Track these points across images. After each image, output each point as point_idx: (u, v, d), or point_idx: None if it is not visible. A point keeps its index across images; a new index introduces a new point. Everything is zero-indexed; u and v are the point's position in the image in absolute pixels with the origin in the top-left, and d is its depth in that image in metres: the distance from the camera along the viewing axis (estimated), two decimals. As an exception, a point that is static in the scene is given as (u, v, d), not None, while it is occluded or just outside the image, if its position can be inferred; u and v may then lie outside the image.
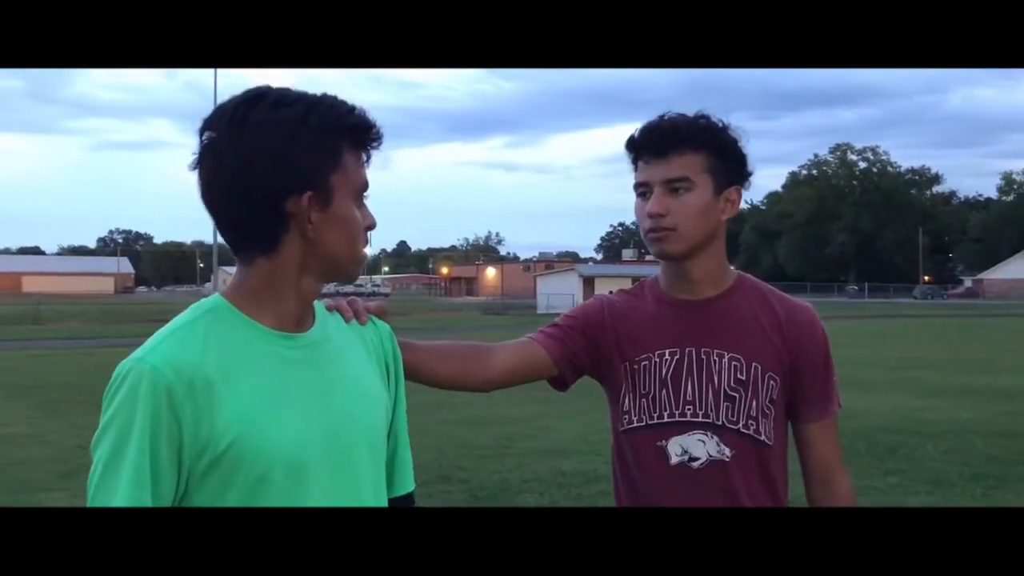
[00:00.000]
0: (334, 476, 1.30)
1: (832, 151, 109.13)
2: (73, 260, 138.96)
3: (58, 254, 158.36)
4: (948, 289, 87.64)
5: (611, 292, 1.91)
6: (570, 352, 1.81)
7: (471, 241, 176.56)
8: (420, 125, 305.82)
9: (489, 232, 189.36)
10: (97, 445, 1.20)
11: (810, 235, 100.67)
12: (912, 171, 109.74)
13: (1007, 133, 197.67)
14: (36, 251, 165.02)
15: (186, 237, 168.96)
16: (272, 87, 1.29)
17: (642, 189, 1.75)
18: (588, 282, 49.64)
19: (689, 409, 1.73)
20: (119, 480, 1.17)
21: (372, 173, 1.36)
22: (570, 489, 6.75)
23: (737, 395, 1.72)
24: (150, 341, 1.24)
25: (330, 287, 1.86)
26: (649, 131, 1.73)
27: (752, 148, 1.79)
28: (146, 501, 1.18)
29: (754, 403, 1.72)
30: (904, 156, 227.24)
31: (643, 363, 1.77)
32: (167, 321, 1.30)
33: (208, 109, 1.30)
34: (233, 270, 1.34)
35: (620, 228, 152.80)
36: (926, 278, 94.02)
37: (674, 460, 1.73)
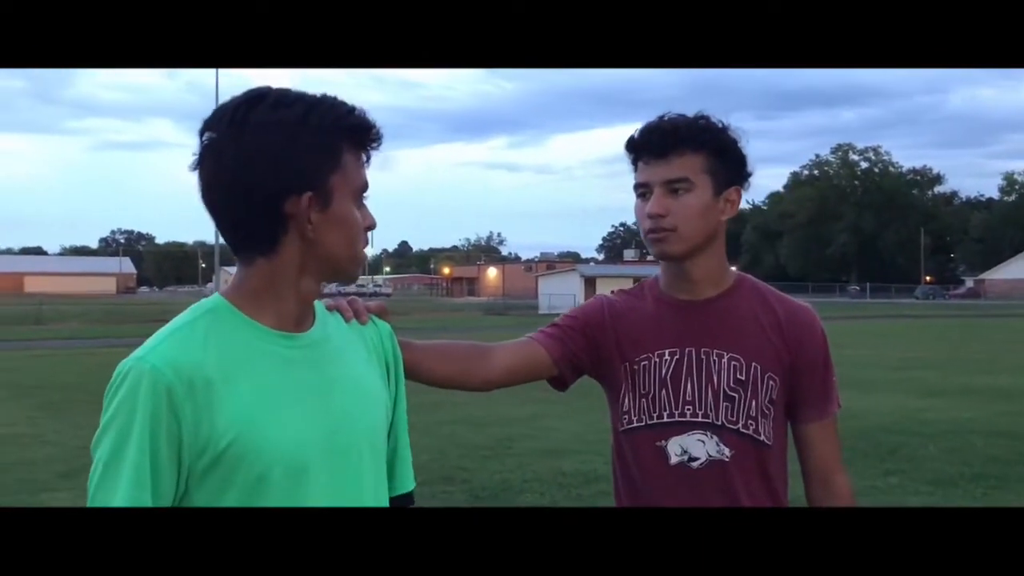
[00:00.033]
0: (334, 476, 1.30)
1: (833, 151, 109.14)
2: (75, 260, 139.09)
3: (60, 254, 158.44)
4: (950, 289, 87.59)
5: (612, 292, 1.91)
6: (570, 352, 1.81)
7: (473, 241, 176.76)
8: (422, 125, 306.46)
9: (491, 232, 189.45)
10: (97, 444, 1.20)
11: (812, 235, 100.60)
12: (914, 171, 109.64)
13: (1008, 133, 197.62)
14: (38, 251, 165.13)
15: (188, 237, 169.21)
16: (272, 88, 1.29)
17: (642, 190, 1.75)
18: (590, 282, 49.59)
19: (689, 409, 1.73)
20: (119, 479, 1.17)
21: (374, 173, 1.36)
22: (571, 489, 6.76)
23: (737, 395, 1.72)
24: (150, 341, 1.25)
25: (332, 287, 1.86)
26: (649, 132, 1.73)
27: (753, 148, 1.79)
28: (146, 500, 1.18)
29: (753, 403, 1.73)
30: (906, 156, 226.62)
31: (643, 363, 1.77)
32: (169, 321, 1.31)
33: (209, 109, 1.30)
34: (234, 270, 1.35)
35: (622, 228, 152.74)
36: (928, 278, 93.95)
37: (674, 460, 1.73)
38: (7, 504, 6.23)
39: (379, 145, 1.34)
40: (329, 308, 1.46)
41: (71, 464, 7.43)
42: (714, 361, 1.73)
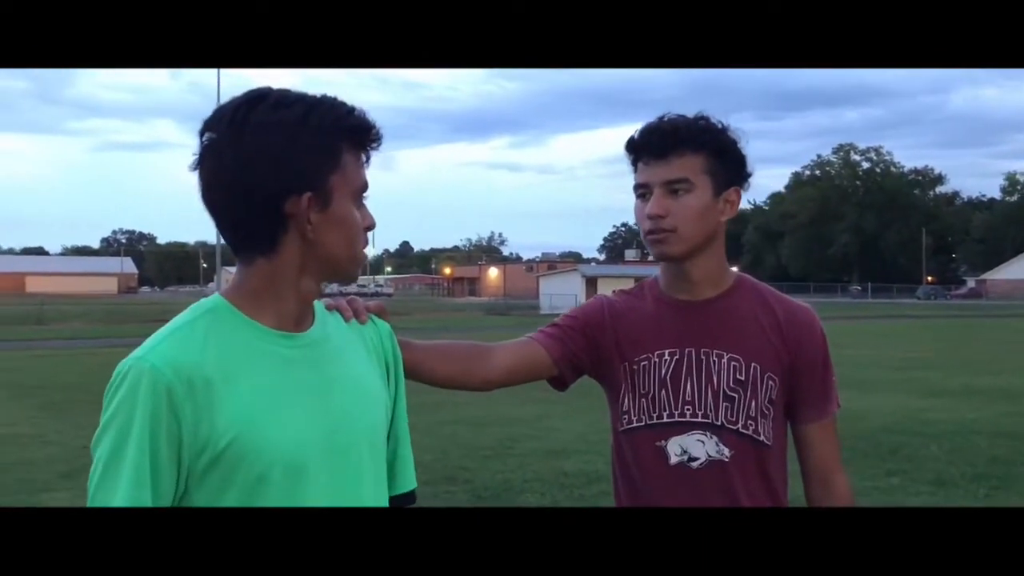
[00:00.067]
0: (334, 475, 1.30)
1: (835, 151, 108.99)
2: (77, 260, 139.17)
3: (62, 254, 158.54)
4: (951, 290, 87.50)
5: (613, 292, 1.91)
6: (570, 352, 1.81)
7: (474, 241, 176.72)
8: (424, 125, 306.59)
9: (492, 232, 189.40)
10: (97, 444, 1.20)
11: (813, 235, 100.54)
12: (915, 171, 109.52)
13: (1010, 133, 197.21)
14: (40, 251, 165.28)
15: (189, 237, 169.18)
16: (272, 88, 1.29)
17: (642, 190, 1.75)
18: (591, 282, 49.64)
19: (688, 409, 1.73)
20: (119, 479, 1.18)
21: (375, 173, 1.36)
22: (572, 489, 6.76)
23: (736, 395, 1.72)
24: (150, 340, 1.25)
25: (333, 287, 1.86)
26: (649, 132, 1.74)
27: (755, 148, 1.80)
28: (146, 500, 1.18)
29: (753, 403, 1.73)
30: (907, 156, 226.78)
31: (643, 363, 1.77)
32: (169, 321, 1.31)
33: (212, 110, 1.31)
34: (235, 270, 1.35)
35: (623, 228, 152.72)
36: (929, 279, 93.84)
37: (673, 460, 1.73)
38: (7, 504, 6.24)
39: (379, 145, 1.35)
40: (328, 308, 1.46)
41: (72, 464, 7.43)
42: (714, 361, 1.74)
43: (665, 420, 1.74)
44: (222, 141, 1.26)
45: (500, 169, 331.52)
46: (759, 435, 1.73)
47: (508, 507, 6.08)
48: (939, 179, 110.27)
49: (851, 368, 14.26)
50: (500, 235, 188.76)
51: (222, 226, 1.30)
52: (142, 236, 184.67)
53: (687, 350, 1.75)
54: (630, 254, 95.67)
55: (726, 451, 1.72)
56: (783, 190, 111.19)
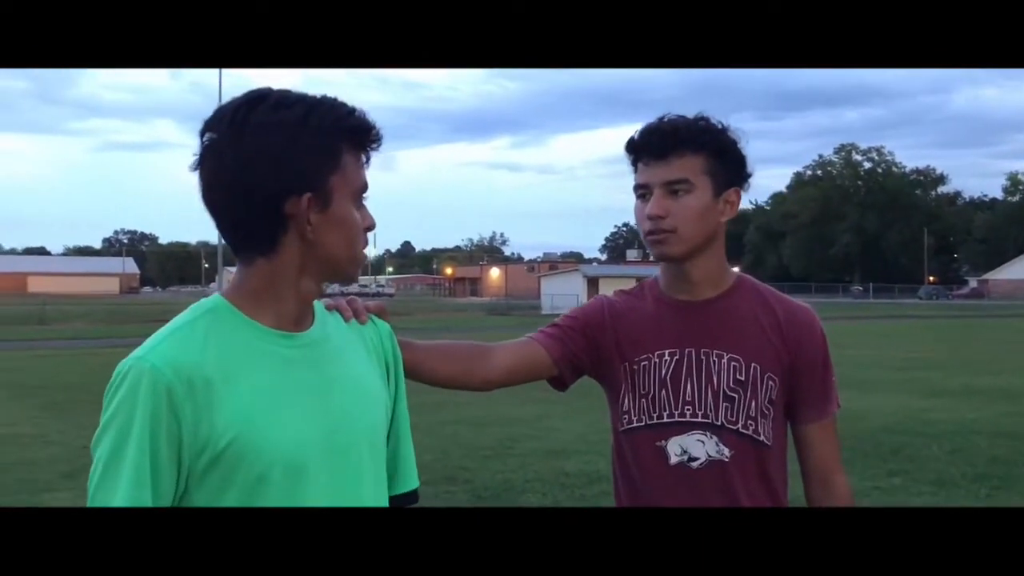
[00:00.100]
0: (334, 475, 1.30)
1: (837, 151, 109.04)
2: (78, 260, 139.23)
3: (63, 255, 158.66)
4: (953, 290, 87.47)
5: (613, 293, 1.91)
6: (570, 352, 1.81)
7: (475, 241, 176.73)
8: (424, 126, 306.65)
9: (493, 232, 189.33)
10: (97, 444, 1.21)
11: (815, 236, 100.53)
12: (917, 171, 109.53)
13: (1012, 133, 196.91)
14: (41, 251, 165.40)
15: (191, 238, 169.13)
16: (272, 89, 1.30)
17: (642, 191, 1.75)
18: (592, 283, 49.63)
19: (688, 409, 1.73)
20: (119, 479, 1.18)
21: (376, 174, 1.37)
22: (573, 489, 6.76)
23: (736, 395, 1.72)
24: (150, 340, 1.25)
25: (334, 287, 1.87)
26: (649, 133, 1.74)
27: (756, 149, 1.80)
28: (146, 500, 1.18)
29: (753, 403, 1.73)
30: (909, 156, 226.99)
31: (643, 363, 1.77)
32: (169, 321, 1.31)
33: (212, 110, 1.31)
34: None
35: (624, 228, 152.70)
36: (931, 279, 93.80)
37: (673, 460, 1.73)
38: (9, 504, 6.24)
39: (379, 146, 1.35)
40: (328, 308, 1.46)
41: (74, 464, 7.44)
42: (714, 362, 1.74)
43: (665, 420, 1.74)
44: (222, 141, 1.26)
45: (501, 169, 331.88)
46: (759, 435, 1.73)
47: (509, 507, 6.08)
48: (941, 179, 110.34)
49: (852, 368, 14.26)
50: (502, 235, 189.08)
51: (222, 226, 1.30)
52: (144, 236, 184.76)
53: (687, 350, 1.75)
54: (632, 254, 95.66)
55: (726, 451, 1.72)
56: (784, 190, 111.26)
